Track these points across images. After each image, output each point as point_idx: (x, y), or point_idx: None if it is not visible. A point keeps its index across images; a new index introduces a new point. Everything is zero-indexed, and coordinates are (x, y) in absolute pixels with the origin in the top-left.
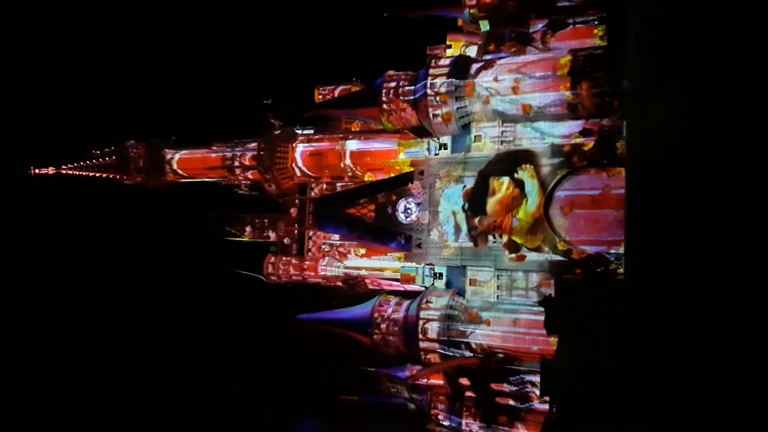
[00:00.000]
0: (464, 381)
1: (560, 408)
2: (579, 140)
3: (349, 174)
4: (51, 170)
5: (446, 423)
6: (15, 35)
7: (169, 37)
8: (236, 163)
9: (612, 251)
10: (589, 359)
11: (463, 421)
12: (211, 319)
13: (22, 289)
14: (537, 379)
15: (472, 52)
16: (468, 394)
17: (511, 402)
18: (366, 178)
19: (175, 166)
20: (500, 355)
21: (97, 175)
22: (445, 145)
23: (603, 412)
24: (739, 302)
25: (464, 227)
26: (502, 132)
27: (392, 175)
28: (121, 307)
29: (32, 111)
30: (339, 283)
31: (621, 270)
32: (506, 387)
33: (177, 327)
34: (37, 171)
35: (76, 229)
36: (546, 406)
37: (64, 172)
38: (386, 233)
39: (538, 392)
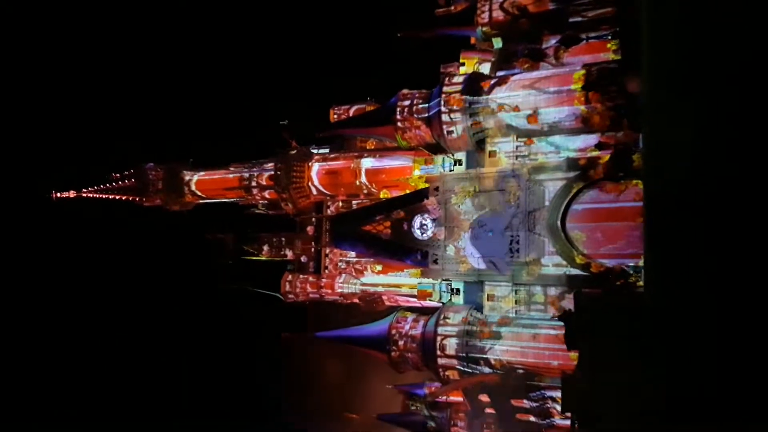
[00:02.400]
0: (484, 398)
1: (582, 423)
2: (594, 153)
3: (365, 191)
4: (72, 194)
5: None
6: (35, 60)
7: (187, 61)
8: (253, 183)
9: (631, 263)
10: (609, 374)
11: None
12: (228, 335)
13: (45, 310)
14: (558, 394)
15: (485, 69)
16: (488, 410)
17: (532, 418)
18: (381, 196)
19: (193, 188)
20: (520, 371)
21: (117, 197)
22: (459, 161)
23: (624, 428)
24: (762, 315)
25: None
26: (517, 147)
27: (407, 191)
28: (138, 323)
29: (52, 135)
30: (356, 300)
31: (640, 282)
32: (526, 403)
33: (194, 343)
34: (58, 195)
35: (97, 250)
36: (567, 422)
37: (84, 195)
38: (402, 249)
39: (559, 408)
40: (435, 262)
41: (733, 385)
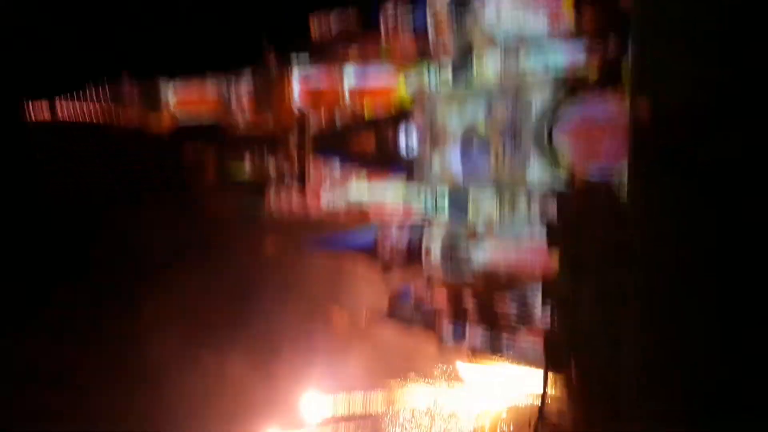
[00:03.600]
0: (467, 300)
1: (560, 318)
2: (582, 62)
3: (348, 104)
4: (46, 108)
5: (450, 335)
6: None
7: None
8: (233, 100)
9: (614, 178)
10: (588, 276)
11: (466, 333)
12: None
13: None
14: (539, 293)
15: None
16: (471, 314)
17: (513, 317)
18: (365, 108)
19: (170, 100)
20: (502, 275)
21: (92, 114)
22: (445, 72)
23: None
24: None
25: None
26: (504, 59)
27: (392, 106)
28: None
29: (27, 43)
30: (341, 217)
31: (623, 196)
32: (508, 305)
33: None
34: (31, 109)
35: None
36: (547, 321)
37: (59, 113)
38: (387, 159)
39: (539, 308)
40: (420, 176)
41: (711, 293)
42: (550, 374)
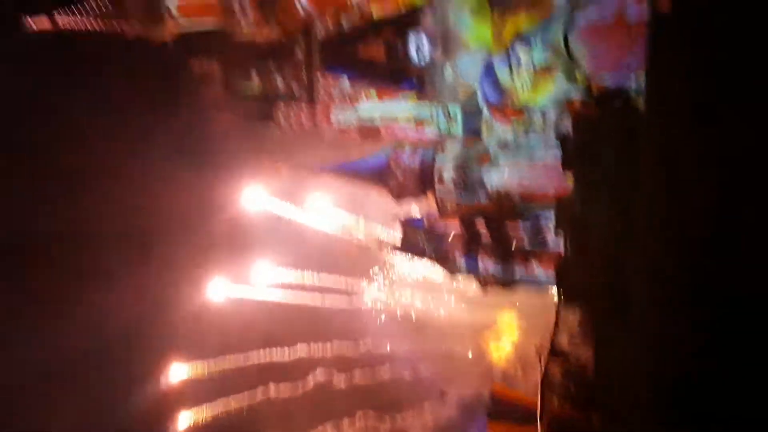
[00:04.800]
0: (480, 225)
1: (573, 243)
2: None
3: (356, 9)
4: (46, 21)
5: (463, 263)
6: None
7: None
8: (235, 4)
9: (633, 83)
10: (603, 194)
11: (479, 261)
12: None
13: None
14: (551, 217)
15: None
16: (484, 236)
17: (526, 241)
18: (373, 12)
19: (172, 8)
20: (516, 197)
21: (93, 23)
22: None
23: (613, 248)
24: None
25: None
26: None
27: (401, 7)
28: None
29: None
30: (353, 133)
31: (641, 103)
32: (521, 227)
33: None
34: (32, 23)
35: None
36: (560, 245)
37: (60, 23)
38: (398, 73)
39: (552, 230)
40: (432, 86)
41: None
42: (561, 306)
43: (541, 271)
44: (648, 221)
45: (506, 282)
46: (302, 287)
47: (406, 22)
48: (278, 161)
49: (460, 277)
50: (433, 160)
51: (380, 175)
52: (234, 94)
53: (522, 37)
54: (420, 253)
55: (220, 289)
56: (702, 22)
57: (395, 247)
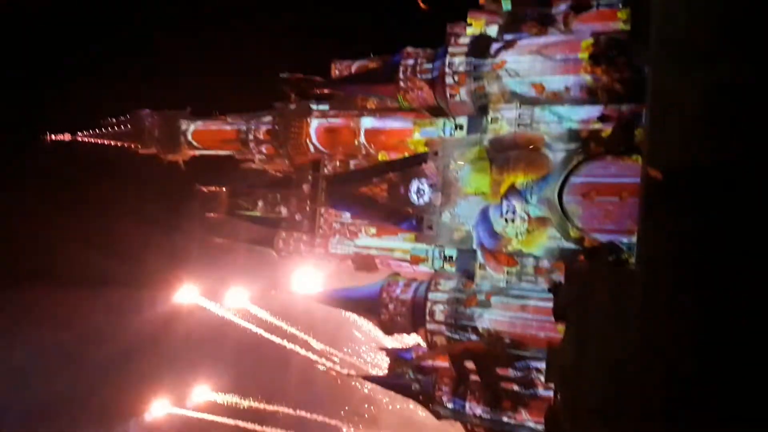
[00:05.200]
0: (470, 365)
1: (563, 395)
2: (597, 126)
3: (363, 152)
4: (67, 137)
5: (450, 405)
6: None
7: (188, 8)
8: (250, 137)
9: (624, 240)
10: (595, 348)
11: (467, 404)
12: None
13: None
14: (542, 365)
15: (492, 31)
16: (473, 378)
17: (516, 387)
18: (380, 157)
19: (189, 138)
20: (507, 340)
21: (112, 143)
22: (461, 125)
23: (605, 402)
24: (752, 301)
25: None
26: (519, 115)
27: (406, 154)
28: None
29: (47, 77)
30: (349, 262)
31: (632, 260)
32: (511, 372)
33: None
34: (52, 137)
35: (89, 194)
36: (550, 393)
37: (79, 139)
38: (398, 213)
39: (542, 378)
40: (430, 228)
41: (717, 368)
42: None
43: (530, 419)
44: (640, 375)
45: (494, 428)
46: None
47: (409, 166)
48: (271, 286)
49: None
50: (426, 295)
51: (372, 306)
52: (237, 218)
53: (518, 191)
54: (405, 389)
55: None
56: (692, 191)
57: (379, 380)
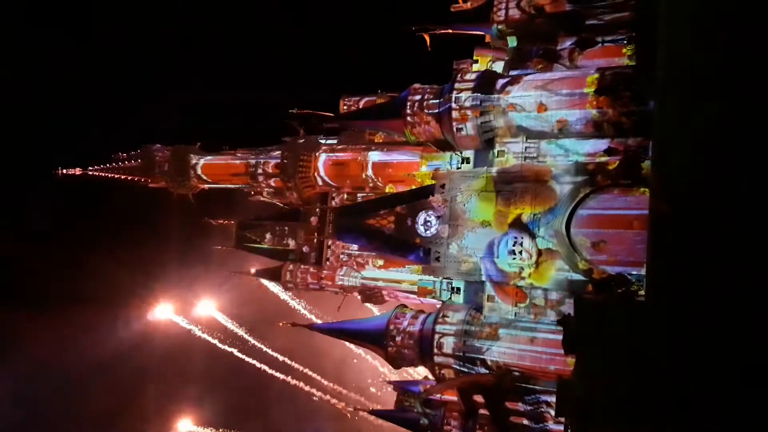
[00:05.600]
0: (478, 398)
1: (575, 429)
2: (604, 159)
3: (371, 185)
4: (78, 171)
5: None
6: (42, 35)
7: (199, 45)
8: (260, 171)
9: (633, 272)
10: (605, 381)
11: None
12: None
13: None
14: (552, 399)
15: (498, 67)
16: (482, 411)
17: (525, 421)
18: (387, 190)
19: (199, 172)
20: (516, 374)
21: (122, 177)
22: (467, 159)
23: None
24: (763, 332)
25: None
26: (526, 148)
27: (413, 187)
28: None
29: (58, 113)
30: (356, 294)
31: (642, 291)
32: (521, 406)
33: None
34: (64, 172)
35: (99, 228)
36: (561, 427)
37: (90, 173)
38: (405, 245)
39: (553, 412)
40: (437, 259)
41: (731, 400)
42: None
43: None
44: (652, 408)
45: None
46: None
47: (417, 199)
48: (280, 319)
49: None
50: (434, 328)
51: (379, 338)
52: (246, 251)
53: (525, 223)
54: (413, 423)
55: None
56: (699, 223)
57: (386, 415)
